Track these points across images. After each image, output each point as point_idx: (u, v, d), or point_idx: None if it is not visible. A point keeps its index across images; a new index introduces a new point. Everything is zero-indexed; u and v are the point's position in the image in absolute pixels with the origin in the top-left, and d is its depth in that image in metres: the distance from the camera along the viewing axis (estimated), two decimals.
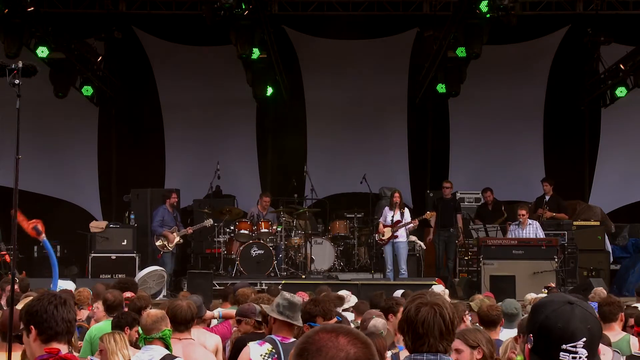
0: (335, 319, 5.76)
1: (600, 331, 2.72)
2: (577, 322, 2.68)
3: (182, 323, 6.74)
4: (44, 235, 9.16)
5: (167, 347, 6.39)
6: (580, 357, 2.67)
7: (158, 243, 16.73)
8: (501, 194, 18.85)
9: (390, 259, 16.07)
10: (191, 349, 6.70)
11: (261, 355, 5.91)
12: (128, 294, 9.05)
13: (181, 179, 19.83)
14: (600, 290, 10.99)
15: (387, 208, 16.43)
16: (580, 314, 2.69)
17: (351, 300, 10.17)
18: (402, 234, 16.10)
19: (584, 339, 2.67)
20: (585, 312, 2.71)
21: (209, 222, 16.79)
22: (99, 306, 9.07)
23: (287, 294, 6.98)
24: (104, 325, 7.94)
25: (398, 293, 10.28)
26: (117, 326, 7.31)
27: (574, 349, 2.67)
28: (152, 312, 6.51)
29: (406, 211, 16.34)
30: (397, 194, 16.36)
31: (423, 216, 16.48)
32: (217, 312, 9.28)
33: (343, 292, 10.21)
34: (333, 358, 2.31)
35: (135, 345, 7.24)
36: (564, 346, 2.67)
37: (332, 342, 2.34)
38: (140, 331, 6.54)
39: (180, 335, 6.73)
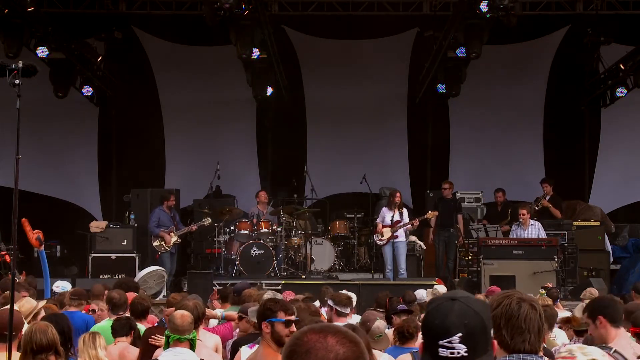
0: (295, 314, 5.70)
1: (482, 328, 2.65)
2: (453, 317, 2.65)
3: None
4: (43, 246, 9.61)
5: (192, 348, 6.41)
6: (458, 352, 2.63)
7: (155, 243, 16.73)
8: None
9: (390, 259, 16.07)
10: (198, 350, 6.68)
11: None
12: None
13: (181, 179, 19.82)
14: (594, 291, 11.00)
15: (384, 208, 16.40)
16: (459, 310, 2.66)
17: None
18: (401, 234, 16.13)
19: (460, 334, 2.63)
20: (466, 308, 2.66)
21: (207, 220, 16.79)
22: (100, 307, 9.09)
23: (266, 296, 7.00)
24: (105, 324, 7.95)
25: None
26: (127, 327, 7.33)
27: (449, 344, 2.63)
28: (186, 314, 6.53)
29: (405, 211, 16.35)
30: (398, 194, 16.39)
31: (424, 216, 16.46)
32: (220, 312, 9.29)
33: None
34: (322, 359, 2.31)
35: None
36: (440, 342, 2.65)
37: (321, 342, 2.33)
38: (167, 332, 6.53)
39: None
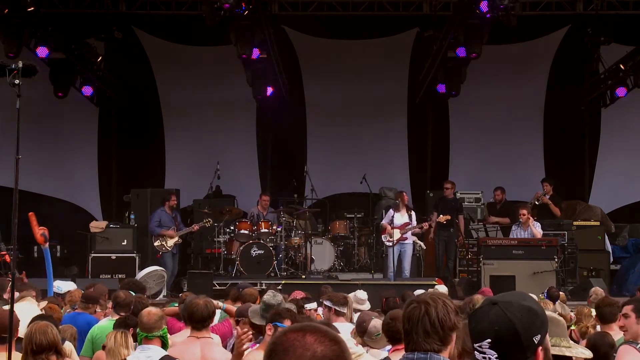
0: None
1: (513, 336, 2.65)
2: (486, 323, 2.67)
3: (199, 321, 6.63)
4: (47, 244, 9.51)
5: (165, 345, 6.36)
6: (489, 358, 2.66)
7: (156, 244, 16.72)
8: None
9: (394, 260, 16.07)
10: (210, 348, 6.61)
11: None
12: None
13: (181, 179, 19.82)
14: (599, 291, 10.98)
15: (391, 210, 16.39)
16: (494, 315, 2.67)
17: (366, 304, 9.92)
18: (409, 236, 16.18)
19: (489, 340, 2.66)
20: (501, 313, 2.67)
21: (208, 221, 16.80)
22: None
23: (267, 296, 7.00)
24: (106, 324, 7.95)
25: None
26: (124, 325, 7.31)
27: (481, 349, 2.67)
28: (152, 311, 6.47)
29: (413, 214, 16.39)
30: (405, 195, 16.43)
31: (438, 219, 16.43)
32: (222, 304, 9.31)
33: (361, 294, 9.96)
34: (300, 357, 2.31)
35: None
36: (475, 345, 2.70)
37: (299, 341, 2.33)
38: (138, 330, 6.49)
39: (198, 334, 6.62)
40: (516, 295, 2.80)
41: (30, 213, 10.05)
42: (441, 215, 16.45)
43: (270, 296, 6.94)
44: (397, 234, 16.06)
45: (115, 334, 6.47)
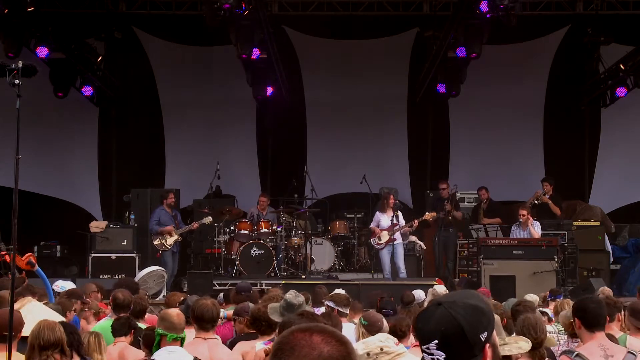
0: None
1: (459, 335, 2.61)
2: (432, 324, 2.64)
3: (209, 321, 6.60)
4: (37, 266, 9.54)
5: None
6: (438, 358, 2.63)
7: (156, 242, 16.72)
8: (501, 193, 18.86)
9: (387, 263, 16.06)
10: (216, 349, 6.60)
11: None
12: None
13: (181, 179, 19.82)
14: (607, 290, 10.96)
15: (378, 213, 16.38)
16: (440, 316, 2.64)
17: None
18: (398, 236, 16.15)
19: (436, 341, 2.63)
20: (446, 313, 2.64)
21: (208, 219, 16.79)
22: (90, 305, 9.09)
23: (289, 295, 6.99)
24: (105, 324, 7.95)
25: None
26: (127, 326, 7.29)
27: (429, 351, 2.65)
28: (179, 312, 6.43)
29: (399, 214, 16.35)
30: (392, 196, 16.41)
31: (423, 217, 16.46)
32: (222, 312, 9.29)
33: (340, 291, 9.99)
34: (306, 356, 2.30)
35: (139, 344, 7.21)
36: (423, 347, 2.67)
37: (306, 340, 2.33)
38: (160, 330, 6.39)
39: (205, 335, 6.59)
40: (461, 294, 2.78)
41: (4, 254, 10.33)
42: (427, 213, 16.49)
43: (293, 295, 6.92)
44: (385, 236, 16.06)
45: (88, 338, 6.40)
